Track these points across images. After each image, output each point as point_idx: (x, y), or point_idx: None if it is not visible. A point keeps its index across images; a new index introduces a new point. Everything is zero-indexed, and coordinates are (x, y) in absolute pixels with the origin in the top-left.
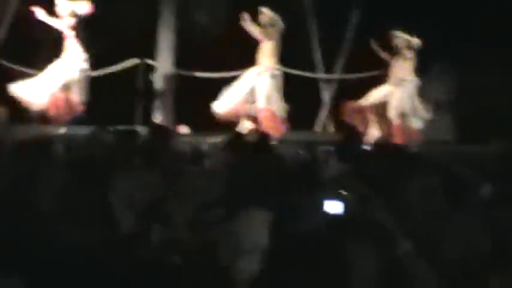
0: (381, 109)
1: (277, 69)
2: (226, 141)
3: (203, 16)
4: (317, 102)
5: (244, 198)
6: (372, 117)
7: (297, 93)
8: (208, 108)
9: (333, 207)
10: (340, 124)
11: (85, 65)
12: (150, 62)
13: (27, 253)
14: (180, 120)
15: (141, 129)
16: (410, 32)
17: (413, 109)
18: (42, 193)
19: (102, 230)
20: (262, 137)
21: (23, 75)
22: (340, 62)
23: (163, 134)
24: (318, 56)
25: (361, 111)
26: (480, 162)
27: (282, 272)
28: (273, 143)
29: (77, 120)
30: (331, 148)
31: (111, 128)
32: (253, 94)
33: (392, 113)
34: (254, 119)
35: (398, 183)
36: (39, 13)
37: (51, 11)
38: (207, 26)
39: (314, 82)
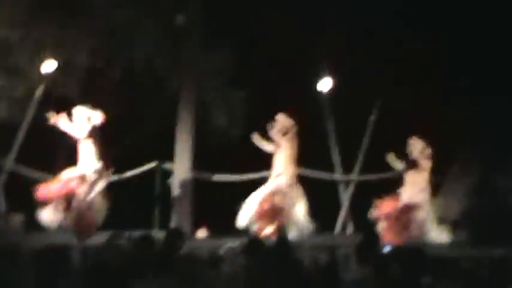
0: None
1: (296, 173)
2: (245, 245)
3: (221, 119)
4: (336, 205)
5: None
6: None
7: (315, 194)
8: (226, 211)
9: None
10: (360, 225)
11: (102, 174)
12: (168, 165)
13: None
14: (198, 224)
15: (159, 234)
16: (428, 135)
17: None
18: None
19: None
20: (281, 241)
21: (39, 181)
22: (359, 163)
23: (180, 238)
24: (336, 157)
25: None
26: (503, 265)
27: None
28: (292, 246)
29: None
30: (351, 251)
31: (127, 234)
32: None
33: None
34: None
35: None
36: (58, 120)
37: (68, 118)
38: (225, 129)
39: (333, 183)
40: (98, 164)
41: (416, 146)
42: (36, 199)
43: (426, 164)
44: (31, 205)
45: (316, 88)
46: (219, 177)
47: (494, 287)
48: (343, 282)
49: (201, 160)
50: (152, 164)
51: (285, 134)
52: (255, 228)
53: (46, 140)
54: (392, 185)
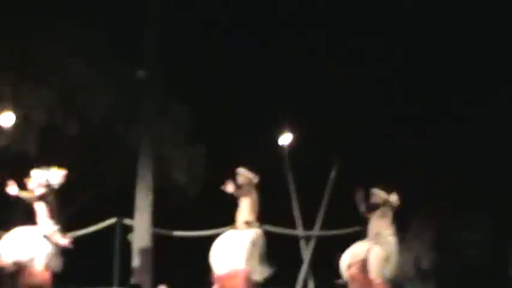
0: (362, 267)
1: (257, 227)
2: None
3: (181, 175)
4: (297, 260)
5: None
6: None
7: (277, 251)
8: (187, 267)
9: None
10: (321, 282)
11: (55, 237)
12: (127, 221)
13: None
14: (159, 281)
15: None
16: (389, 189)
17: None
18: None
19: None
20: None
21: None
22: (319, 219)
23: None
24: (297, 213)
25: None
26: None
27: None
28: None
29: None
30: None
31: None
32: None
33: (372, 272)
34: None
35: None
36: (11, 189)
37: (25, 174)
38: (185, 184)
39: (294, 240)
40: (54, 227)
41: (379, 195)
42: None
43: (388, 212)
44: None
45: (276, 143)
46: (179, 233)
47: None
48: None
49: (161, 216)
50: (112, 220)
51: (245, 187)
52: None
53: (2, 198)
54: (353, 240)
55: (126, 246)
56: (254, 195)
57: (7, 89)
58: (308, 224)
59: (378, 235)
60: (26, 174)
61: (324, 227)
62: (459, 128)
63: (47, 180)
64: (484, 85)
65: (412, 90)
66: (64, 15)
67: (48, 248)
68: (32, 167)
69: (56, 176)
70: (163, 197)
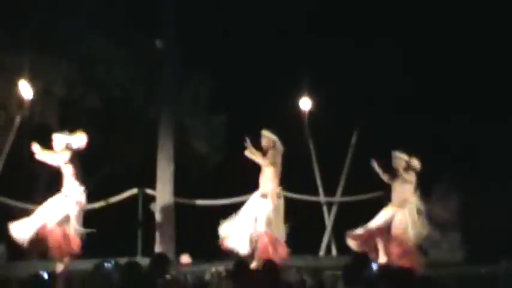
0: (386, 232)
1: (279, 193)
2: (230, 269)
3: (202, 144)
4: (320, 226)
5: None
6: (379, 241)
7: (299, 217)
8: (210, 236)
9: None
10: (344, 248)
11: (82, 198)
12: (149, 191)
13: None
14: (181, 250)
15: (142, 260)
16: (410, 153)
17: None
18: None
19: None
20: (266, 264)
21: (21, 212)
22: (341, 185)
23: (165, 264)
24: (318, 179)
25: (370, 236)
26: (490, 283)
27: None
28: (277, 269)
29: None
30: (337, 273)
31: (112, 261)
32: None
33: (397, 236)
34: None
35: None
36: (36, 150)
37: (47, 145)
38: (206, 154)
39: (317, 206)
40: (80, 188)
41: (401, 159)
42: None
43: (411, 176)
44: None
45: (297, 111)
46: (201, 202)
47: None
48: None
49: (183, 186)
50: (134, 191)
51: (270, 149)
52: None
53: (26, 169)
54: (375, 205)
55: (149, 217)
56: (277, 160)
57: (27, 61)
58: (330, 190)
59: (404, 201)
60: (47, 147)
61: (346, 192)
62: None
63: (69, 144)
64: None
65: (433, 52)
66: None
67: (76, 211)
68: (52, 140)
69: (79, 139)
70: (185, 166)
